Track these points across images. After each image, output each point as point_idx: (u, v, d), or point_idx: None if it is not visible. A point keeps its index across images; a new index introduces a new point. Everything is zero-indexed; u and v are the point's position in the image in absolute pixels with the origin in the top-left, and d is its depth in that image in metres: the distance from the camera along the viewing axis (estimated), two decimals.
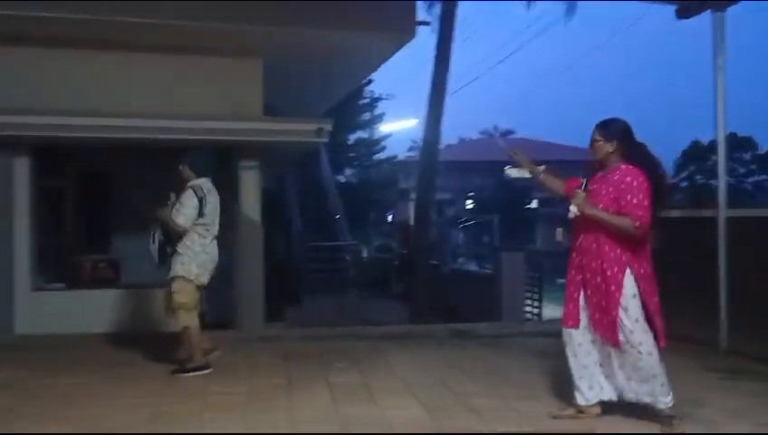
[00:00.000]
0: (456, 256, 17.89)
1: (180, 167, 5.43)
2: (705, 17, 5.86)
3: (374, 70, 10.64)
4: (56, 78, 7.38)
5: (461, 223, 25.95)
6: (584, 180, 3.82)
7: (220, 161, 8.28)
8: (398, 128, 29.06)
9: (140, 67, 7.71)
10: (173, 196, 5.34)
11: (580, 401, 3.86)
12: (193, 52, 7.82)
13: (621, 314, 3.63)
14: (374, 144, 27.49)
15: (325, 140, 8.13)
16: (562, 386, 4.38)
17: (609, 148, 3.75)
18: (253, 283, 7.84)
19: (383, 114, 27.84)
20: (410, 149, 33.68)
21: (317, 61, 8.57)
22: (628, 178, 3.66)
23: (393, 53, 8.88)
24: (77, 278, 8.05)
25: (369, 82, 24.63)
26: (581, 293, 3.82)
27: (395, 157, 29.08)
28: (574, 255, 3.87)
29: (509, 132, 51.30)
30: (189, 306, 5.18)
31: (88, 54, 7.54)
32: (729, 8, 5.77)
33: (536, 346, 6.11)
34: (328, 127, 7.91)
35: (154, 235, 5.28)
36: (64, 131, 7.11)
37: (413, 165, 27.45)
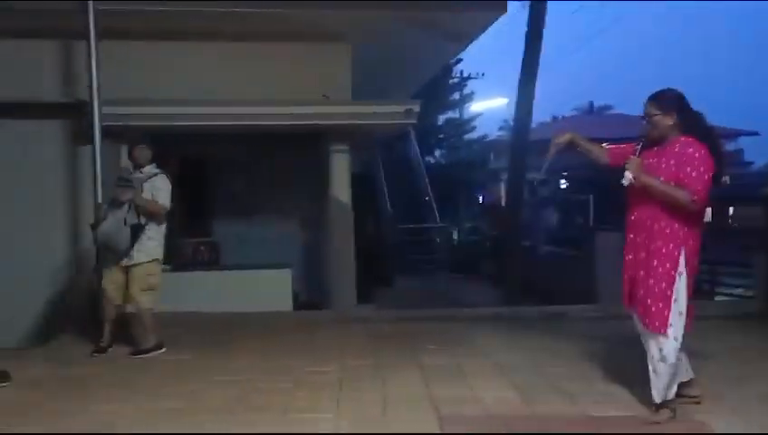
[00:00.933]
0: (550, 237, 17.45)
1: (140, 151, 5.40)
2: None
3: (465, 47, 10.48)
4: (158, 70, 7.72)
5: (555, 203, 25.29)
6: (638, 146, 3.59)
7: (310, 146, 8.46)
8: (489, 107, 28.64)
9: (234, 55, 7.95)
10: (128, 180, 5.33)
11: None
12: (283, 38, 7.99)
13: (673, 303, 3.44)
14: (464, 124, 27.21)
15: (414, 121, 8.11)
16: None
17: (668, 121, 3.50)
18: (344, 265, 7.97)
19: (473, 93, 27.51)
20: (501, 128, 33.10)
21: (406, 41, 8.54)
22: (691, 150, 3.42)
23: (484, 29, 8.72)
24: (180, 260, 8.46)
25: (459, 60, 24.36)
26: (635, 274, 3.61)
27: (485, 137, 28.69)
28: (628, 233, 3.66)
29: (606, 108, 49.40)
30: (157, 288, 5.37)
31: (186, 46, 7.85)
32: None
33: (631, 330, 5.88)
34: (416, 108, 7.88)
35: (124, 219, 5.16)
36: (167, 120, 7.43)
37: (504, 145, 26.98)
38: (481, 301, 11.13)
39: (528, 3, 12.65)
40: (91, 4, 6.46)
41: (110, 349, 5.33)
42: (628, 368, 4.51)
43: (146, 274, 5.29)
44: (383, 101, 8.07)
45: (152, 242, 5.29)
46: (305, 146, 8.54)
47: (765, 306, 6.56)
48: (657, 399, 3.55)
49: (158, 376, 4.63)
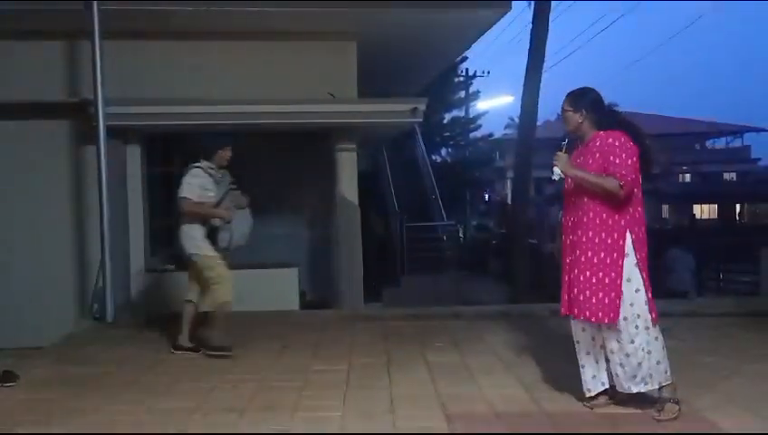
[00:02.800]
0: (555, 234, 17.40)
1: (228, 152, 5.38)
2: None
3: (469, 45, 10.47)
4: (162, 69, 7.74)
5: (558, 201, 25.26)
6: (564, 143, 3.65)
7: (317, 144, 8.45)
8: (494, 105, 28.60)
9: (239, 54, 7.97)
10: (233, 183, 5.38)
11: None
12: (289, 37, 8.00)
13: (625, 285, 3.46)
14: (469, 122, 27.17)
15: (420, 119, 8.10)
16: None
17: (578, 118, 3.64)
18: (351, 263, 7.97)
19: (478, 92, 27.50)
20: (507, 126, 33.11)
21: (411, 40, 8.53)
22: (610, 140, 3.52)
23: (489, 27, 8.70)
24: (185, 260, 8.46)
25: (464, 59, 24.32)
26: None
27: (491, 135, 28.67)
28: (566, 236, 3.68)
29: (612, 105, 49.06)
30: None
31: (191, 45, 7.87)
32: None
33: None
34: (422, 106, 7.87)
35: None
36: (172, 120, 7.46)
37: (510, 143, 26.93)
38: (489, 299, 11.12)
39: (533, 1, 12.61)
40: (95, 4, 6.48)
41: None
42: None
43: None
44: (389, 100, 8.07)
45: None
46: (312, 145, 8.55)
47: None
48: (643, 388, 3.55)
49: (170, 375, 4.64)
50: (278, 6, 7.20)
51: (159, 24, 7.52)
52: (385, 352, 5.16)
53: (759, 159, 43.71)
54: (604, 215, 3.50)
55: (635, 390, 3.56)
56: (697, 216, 36.34)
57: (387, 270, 12.05)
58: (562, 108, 3.71)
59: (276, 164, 9.03)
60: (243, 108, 7.51)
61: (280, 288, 7.84)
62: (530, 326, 6.09)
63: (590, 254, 3.51)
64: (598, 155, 3.54)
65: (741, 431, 3.34)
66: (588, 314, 3.52)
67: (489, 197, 33.81)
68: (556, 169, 3.58)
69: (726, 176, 42.52)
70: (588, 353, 3.72)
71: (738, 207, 37.07)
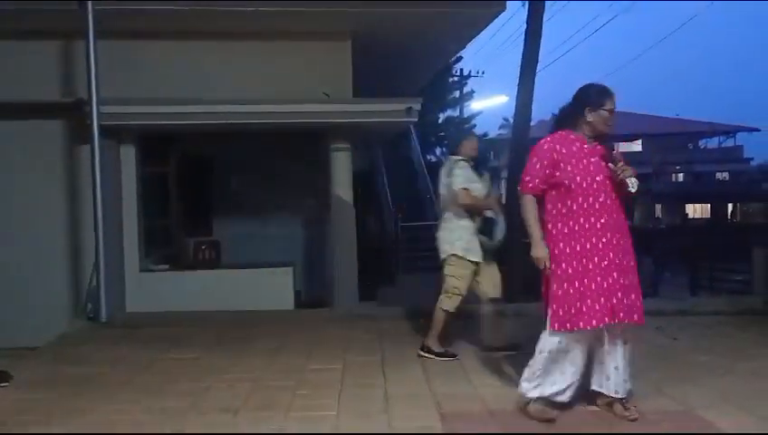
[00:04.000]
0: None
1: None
2: None
3: (464, 45, 10.47)
4: (157, 68, 7.73)
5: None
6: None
7: (312, 144, 8.46)
8: (489, 105, 28.67)
9: (234, 54, 7.95)
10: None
11: None
12: (283, 36, 7.99)
13: None
14: (464, 122, 27.19)
15: (415, 119, 8.10)
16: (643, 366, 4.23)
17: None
18: (346, 262, 7.97)
19: (473, 92, 27.54)
20: (502, 126, 33.15)
21: (406, 39, 8.53)
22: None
23: (483, 27, 8.71)
24: (180, 260, 8.47)
25: (459, 59, 24.37)
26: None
27: (485, 135, 28.68)
28: (597, 240, 3.52)
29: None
30: None
31: (185, 44, 7.85)
32: None
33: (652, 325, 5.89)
34: (417, 106, 7.88)
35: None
36: (167, 120, 7.44)
37: (504, 143, 26.95)
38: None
39: (527, 1, 12.62)
40: (89, 3, 6.47)
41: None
42: (658, 357, 4.51)
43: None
44: (384, 99, 8.06)
45: None
46: (307, 144, 8.55)
47: (765, 302, 6.55)
48: (629, 386, 3.59)
49: (165, 375, 4.64)
50: (273, 6, 7.19)
51: (154, 24, 7.50)
52: (380, 351, 5.17)
53: (751, 159, 43.92)
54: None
55: (628, 388, 3.57)
56: (690, 215, 36.51)
57: (382, 269, 12.04)
58: (612, 109, 3.55)
59: (271, 164, 9.04)
60: (238, 108, 7.50)
61: (275, 287, 7.85)
62: (525, 325, 6.09)
63: (630, 256, 3.53)
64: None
65: (736, 430, 3.36)
66: (637, 317, 3.49)
67: None
68: (635, 180, 3.49)
69: (719, 175, 42.71)
70: (572, 364, 3.52)
71: (731, 206, 37.24)
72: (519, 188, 3.61)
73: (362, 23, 7.79)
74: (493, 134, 32.53)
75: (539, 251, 3.54)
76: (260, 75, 7.92)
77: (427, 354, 4.89)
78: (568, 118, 3.63)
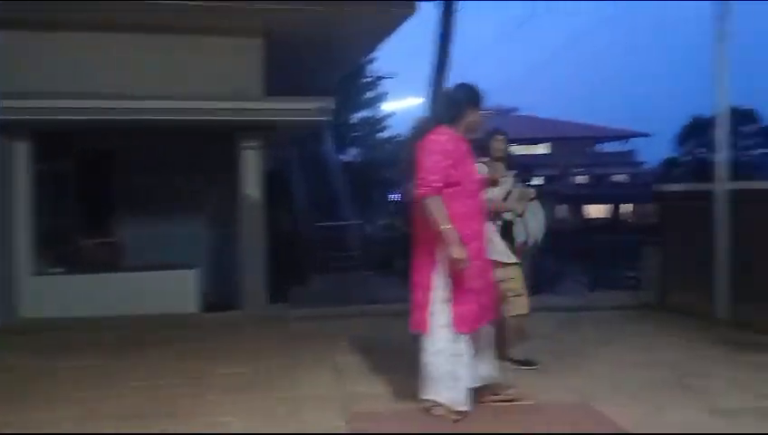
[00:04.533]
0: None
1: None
2: None
3: (377, 46, 10.52)
4: (55, 61, 7.33)
5: None
6: None
7: (222, 142, 8.25)
8: (402, 107, 28.93)
9: (140, 48, 7.65)
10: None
11: None
12: (193, 31, 7.76)
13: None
14: (377, 123, 27.38)
15: (328, 118, 8.07)
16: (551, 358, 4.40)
17: None
18: (256, 264, 7.82)
19: (386, 93, 27.74)
20: (411, 129, 33.53)
21: (318, 38, 8.48)
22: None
23: (395, 28, 8.77)
24: (77, 262, 8.05)
25: (372, 60, 24.47)
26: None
27: (398, 136, 28.92)
28: (477, 243, 3.61)
29: (513, 110, 50.95)
30: None
31: (86, 37, 7.49)
32: None
33: (537, 320, 6.11)
34: (330, 105, 7.84)
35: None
36: (64, 114, 7.06)
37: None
38: (397, 297, 11.18)
39: (440, 3, 12.85)
40: None
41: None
42: (559, 351, 4.67)
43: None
44: (296, 98, 7.96)
45: None
46: (217, 142, 8.32)
47: (657, 297, 6.93)
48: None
49: (62, 384, 4.39)
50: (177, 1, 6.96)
51: (51, 16, 7.10)
52: (290, 354, 5.10)
53: (644, 163, 46.54)
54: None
55: (494, 375, 3.75)
56: (591, 216, 38.32)
57: (294, 270, 11.92)
58: (486, 108, 3.64)
59: (179, 161, 8.74)
60: (140, 103, 7.21)
61: (180, 290, 7.60)
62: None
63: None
64: None
65: (628, 419, 3.52)
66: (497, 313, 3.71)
67: (397, 196, 34.21)
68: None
69: (617, 178, 45.04)
70: (469, 363, 3.58)
71: (627, 207, 39.37)
72: (423, 188, 3.39)
73: (275, 20, 7.67)
74: (406, 135, 32.86)
75: (459, 251, 3.37)
76: (167, 70, 7.65)
77: (515, 365, 4.49)
78: (446, 117, 3.58)
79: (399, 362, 4.75)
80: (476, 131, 3.71)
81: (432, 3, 13.20)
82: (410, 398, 3.89)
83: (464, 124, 3.60)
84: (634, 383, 4.12)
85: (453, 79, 13.05)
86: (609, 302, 7.09)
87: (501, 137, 4.60)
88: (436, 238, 3.46)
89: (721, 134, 6.00)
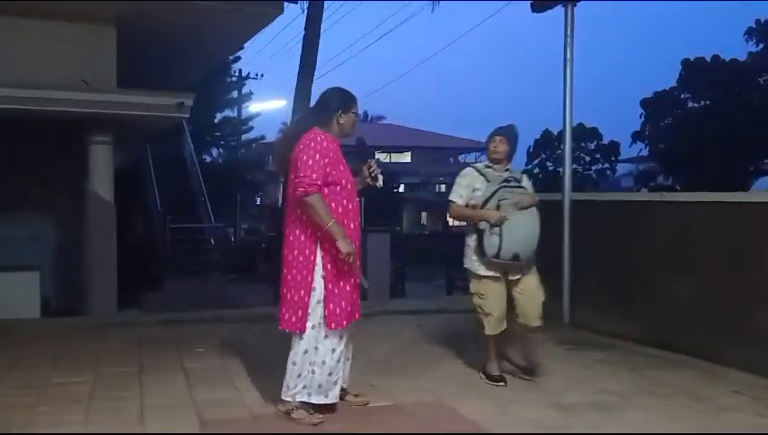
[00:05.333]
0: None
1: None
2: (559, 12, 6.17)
3: (241, 44, 10.32)
4: None
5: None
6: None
7: (70, 137, 7.68)
8: (268, 108, 28.57)
9: None
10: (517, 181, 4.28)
11: None
12: (40, 16, 7.16)
13: None
14: (241, 123, 26.79)
15: (186, 115, 7.78)
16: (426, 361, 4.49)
17: None
18: (104, 267, 7.37)
19: (251, 93, 27.26)
20: (281, 130, 33.16)
21: (178, 32, 8.15)
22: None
23: (260, 29, 8.64)
24: None
25: (237, 59, 23.95)
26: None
27: (263, 137, 28.48)
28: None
29: (379, 118, 51.97)
30: None
31: None
32: (579, 3, 6.10)
33: (399, 323, 6.21)
34: (189, 102, 7.57)
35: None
36: None
37: None
38: (256, 301, 10.97)
39: (305, 4, 12.81)
40: None
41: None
42: (395, 360, 4.75)
43: (539, 283, 4.29)
44: (152, 92, 7.62)
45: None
46: (64, 136, 7.74)
47: None
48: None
49: None
50: None
51: None
52: (138, 361, 4.82)
53: None
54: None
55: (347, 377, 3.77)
56: (452, 223, 39.89)
57: (148, 274, 11.36)
58: (358, 112, 3.69)
59: (20, 155, 8.03)
60: None
61: (18, 294, 7.01)
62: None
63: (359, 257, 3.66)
64: None
65: (479, 416, 3.65)
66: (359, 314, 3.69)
67: (261, 200, 33.67)
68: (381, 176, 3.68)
69: None
70: (337, 364, 3.57)
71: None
72: (303, 187, 3.35)
73: (130, 8, 7.27)
74: (272, 137, 32.42)
75: (347, 246, 3.36)
76: (8, 56, 7.01)
77: (484, 378, 4.30)
78: (318, 119, 3.60)
79: (256, 367, 4.65)
80: (349, 135, 3.73)
81: (300, 5, 13.16)
82: (269, 402, 3.81)
83: (335, 127, 3.61)
84: (481, 383, 4.27)
85: (319, 82, 13.09)
86: (465, 305, 7.34)
87: (499, 137, 4.26)
88: (315, 238, 3.45)
89: (566, 149, 6.43)
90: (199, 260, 12.97)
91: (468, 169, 4.37)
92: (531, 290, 4.21)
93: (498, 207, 4.07)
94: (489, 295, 4.17)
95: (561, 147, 6.51)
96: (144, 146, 13.92)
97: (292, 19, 14.06)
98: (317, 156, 3.41)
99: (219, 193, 19.06)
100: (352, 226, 3.55)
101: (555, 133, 29.49)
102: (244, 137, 27.33)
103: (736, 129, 24.41)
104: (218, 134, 25.79)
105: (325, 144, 3.47)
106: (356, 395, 3.81)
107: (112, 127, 7.56)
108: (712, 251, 4.95)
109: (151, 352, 5.13)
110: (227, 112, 26.52)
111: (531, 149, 33.51)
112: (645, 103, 28.68)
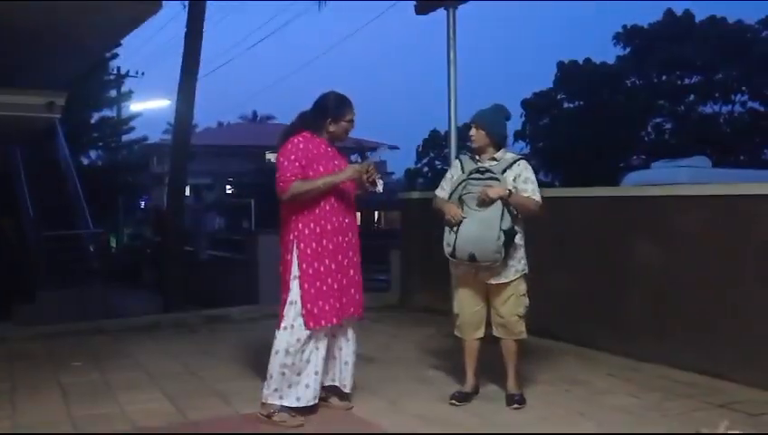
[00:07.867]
0: (213, 241, 17.42)
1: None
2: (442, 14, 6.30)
3: (118, 40, 9.82)
4: None
5: (219, 207, 25.37)
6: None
7: None
8: (149, 108, 27.40)
9: None
10: (489, 171, 3.77)
11: None
12: None
13: None
14: (121, 124, 25.50)
15: (58, 115, 7.34)
16: None
17: None
18: None
19: (131, 92, 26.01)
20: (166, 131, 31.95)
21: (49, 31, 7.62)
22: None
23: (136, 26, 8.24)
24: None
25: (115, 56, 22.83)
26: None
27: (145, 138, 27.30)
28: (340, 238, 3.64)
29: (269, 117, 51.30)
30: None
31: None
32: (461, 7, 6.26)
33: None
34: (60, 101, 7.14)
35: (500, 223, 3.63)
36: None
37: (167, 148, 26.08)
38: (140, 310, 10.51)
39: (187, 2, 12.38)
40: None
41: (475, 395, 3.95)
42: None
43: (520, 294, 3.82)
44: (18, 90, 7.10)
45: (519, 251, 3.80)
46: None
47: (401, 298, 7.42)
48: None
49: None
50: None
51: None
52: (8, 379, 4.49)
53: (393, 173, 49.96)
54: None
55: (352, 382, 3.76)
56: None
57: (19, 284, 10.61)
58: (352, 119, 3.70)
59: None
60: None
61: None
62: (181, 335, 5.94)
63: (359, 255, 3.73)
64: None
65: (369, 414, 3.68)
66: (358, 310, 3.72)
67: (145, 204, 32.29)
68: (381, 181, 3.65)
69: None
70: (323, 359, 3.57)
71: (377, 214, 41.92)
72: (281, 184, 3.49)
73: None
74: (156, 138, 31.16)
75: (346, 173, 3.58)
76: None
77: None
78: (309, 123, 3.66)
79: (138, 378, 4.46)
80: (342, 140, 3.75)
81: (181, 2, 12.70)
82: (153, 417, 3.66)
83: (326, 134, 3.67)
84: (373, 379, 4.30)
85: (204, 81, 12.68)
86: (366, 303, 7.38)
87: (473, 124, 3.83)
88: (292, 237, 3.55)
89: (451, 148, 6.60)
90: (78, 268, 12.24)
91: (456, 160, 4.13)
92: (501, 298, 3.81)
93: (461, 201, 3.75)
94: (458, 295, 3.95)
95: (448, 146, 6.67)
96: (13, 148, 12.96)
97: (172, 16, 13.56)
98: (292, 156, 3.52)
99: (99, 197, 18.09)
100: (346, 221, 3.64)
101: (443, 133, 30.32)
102: (124, 138, 26.03)
103: (606, 128, 26.19)
104: (96, 135, 24.44)
105: (302, 145, 3.56)
106: (341, 398, 3.77)
107: None
108: (586, 242, 5.26)
109: (23, 368, 4.81)
110: (106, 112, 25.19)
111: (420, 149, 34.28)
112: (525, 103, 30.13)
